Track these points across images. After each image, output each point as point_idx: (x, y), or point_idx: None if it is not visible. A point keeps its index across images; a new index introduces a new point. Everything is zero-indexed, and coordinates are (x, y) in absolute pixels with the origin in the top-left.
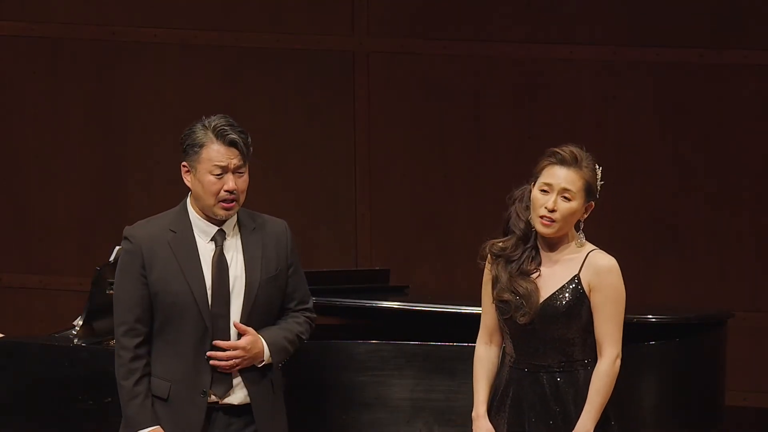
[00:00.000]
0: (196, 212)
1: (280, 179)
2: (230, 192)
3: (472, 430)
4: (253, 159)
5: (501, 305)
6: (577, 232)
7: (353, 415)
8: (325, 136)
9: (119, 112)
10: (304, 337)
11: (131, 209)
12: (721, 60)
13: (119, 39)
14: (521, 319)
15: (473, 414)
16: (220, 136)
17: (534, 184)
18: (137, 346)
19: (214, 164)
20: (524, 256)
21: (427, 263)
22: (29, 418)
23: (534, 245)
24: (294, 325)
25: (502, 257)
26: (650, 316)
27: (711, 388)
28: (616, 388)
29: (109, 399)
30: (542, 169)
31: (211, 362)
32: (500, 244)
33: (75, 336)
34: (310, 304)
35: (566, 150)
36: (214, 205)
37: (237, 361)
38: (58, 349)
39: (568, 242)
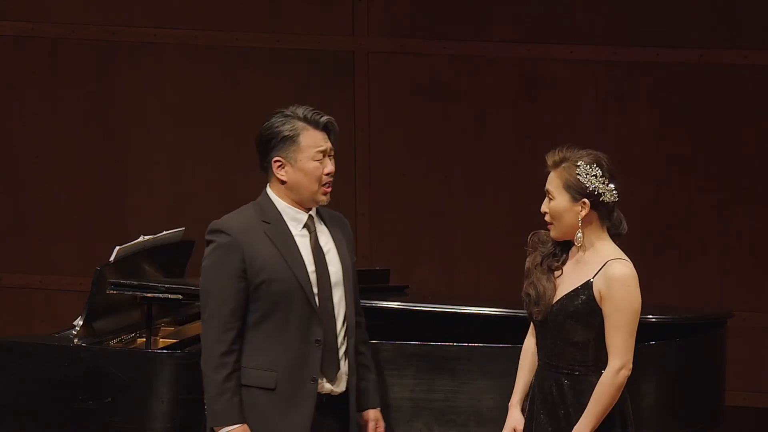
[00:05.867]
0: (285, 201)
1: None
2: (329, 175)
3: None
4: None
5: (524, 298)
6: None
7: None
8: None
9: (119, 112)
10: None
11: (131, 209)
12: (721, 60)
13: (119, 39)
14: (536, 315)
15: (509, 402)
16: (313, 121)
17: None
18: (231, 341)
19: (316, 150)
20: (555, 251)
21: (427, 263)
22: (29, 417)
23: (564, 245)
24: (371, 363)
25: (537, 250)
26: (650, 316)
27: (711, 388)
28: (622, 395)
29: (109, 399)
30: None
31: None
32: (543, 234)
33: (75, 336)
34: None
35: (556, 154)
36: (318, 191)
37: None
38: (58, 349)
39: (592, 246)
